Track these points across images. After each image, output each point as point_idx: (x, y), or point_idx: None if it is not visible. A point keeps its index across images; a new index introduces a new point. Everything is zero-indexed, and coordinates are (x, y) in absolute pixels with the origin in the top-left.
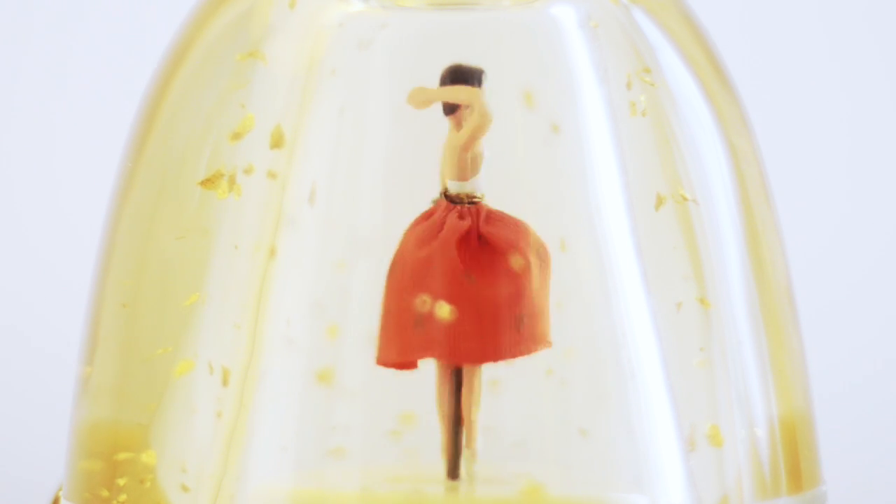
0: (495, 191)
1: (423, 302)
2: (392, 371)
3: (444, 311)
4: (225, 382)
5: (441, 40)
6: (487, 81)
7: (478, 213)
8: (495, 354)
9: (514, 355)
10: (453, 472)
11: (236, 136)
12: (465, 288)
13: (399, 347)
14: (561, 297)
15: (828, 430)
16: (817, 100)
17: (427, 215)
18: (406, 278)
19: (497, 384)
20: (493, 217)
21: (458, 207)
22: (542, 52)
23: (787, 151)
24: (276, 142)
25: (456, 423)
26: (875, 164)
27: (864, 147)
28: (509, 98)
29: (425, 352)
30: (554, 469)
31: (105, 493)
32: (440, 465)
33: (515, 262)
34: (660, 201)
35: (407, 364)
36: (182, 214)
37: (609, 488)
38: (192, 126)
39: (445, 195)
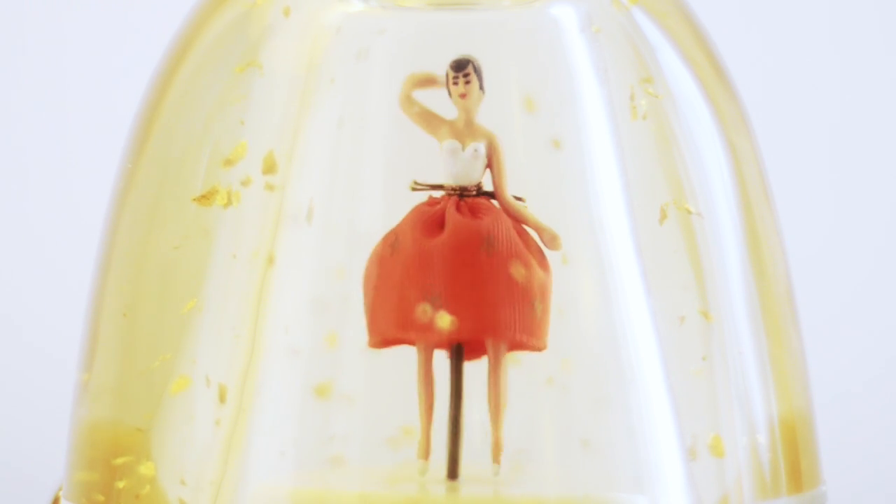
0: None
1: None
2: (392, 380)
3: (445, 315)
4: (222, 399)
5: (439, 43)
6: (484, 79)
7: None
8: (494, 332)
9: (512, 338)
10: (453, 472)
11: (228, 162)
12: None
13: (398, 324)
14: (562, 306)
15: (828, 430)
16: (818, 100)
17: (431, 203)
18: (411, 260)
19: None
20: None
21: (454, 198)
22: (542, 54)
23: (787, 151)
24: (269, 168)
25: (455, 423)
26: (876, 164)
27: (864, 147)
28: (509, 102)
29: (425, 332)
30: (555, 475)
31: (101, 498)
32: (440, 467)
33: (516, 270)
34: (663, 215)
35: (405, 340)
36: (180, 222)
37: (609, 490)
38: (190, 131)
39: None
